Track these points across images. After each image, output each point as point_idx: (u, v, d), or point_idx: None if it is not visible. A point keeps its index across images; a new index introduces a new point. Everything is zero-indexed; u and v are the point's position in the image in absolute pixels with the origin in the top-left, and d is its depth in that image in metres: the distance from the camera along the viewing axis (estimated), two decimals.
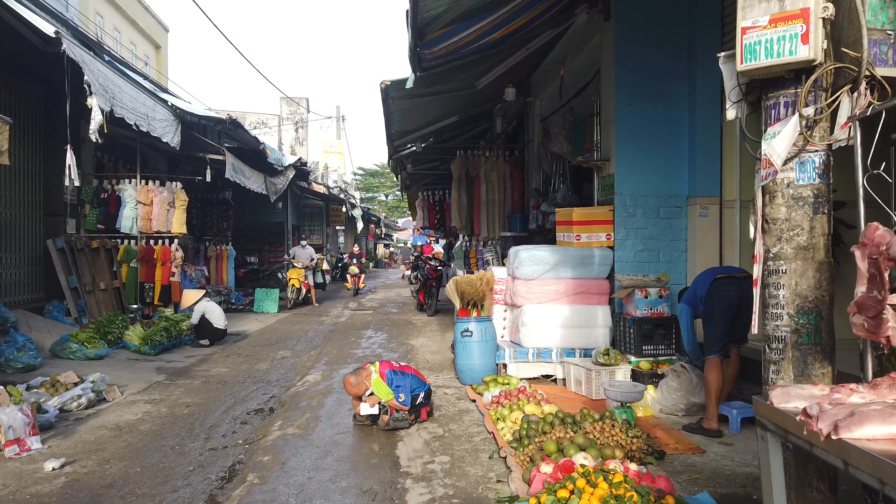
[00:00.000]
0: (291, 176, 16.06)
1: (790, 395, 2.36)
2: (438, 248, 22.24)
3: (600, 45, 7.78)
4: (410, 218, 31.05)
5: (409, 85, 7.56)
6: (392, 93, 8.44)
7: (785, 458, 2.76)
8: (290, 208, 20.68)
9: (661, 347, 6.44)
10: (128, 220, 11.09)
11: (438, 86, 8.99)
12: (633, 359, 6.43)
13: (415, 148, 13.00)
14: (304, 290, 15.91)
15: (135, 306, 10.94)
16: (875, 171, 2.45)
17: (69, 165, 7.65)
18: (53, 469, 4.51)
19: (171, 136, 9.94)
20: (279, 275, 18.57)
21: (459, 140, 14.30)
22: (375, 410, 5.52)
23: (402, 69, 8.43)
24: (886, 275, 2.39)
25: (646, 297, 6.49)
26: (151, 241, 11.37)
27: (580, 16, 8.00)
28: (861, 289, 2.44)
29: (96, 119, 7.53)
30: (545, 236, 10.06)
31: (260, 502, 4.01)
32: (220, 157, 12.15)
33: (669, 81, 7.30)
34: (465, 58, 8.05)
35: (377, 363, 5.69)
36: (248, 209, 18.74)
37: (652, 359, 6.35)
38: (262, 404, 6.48)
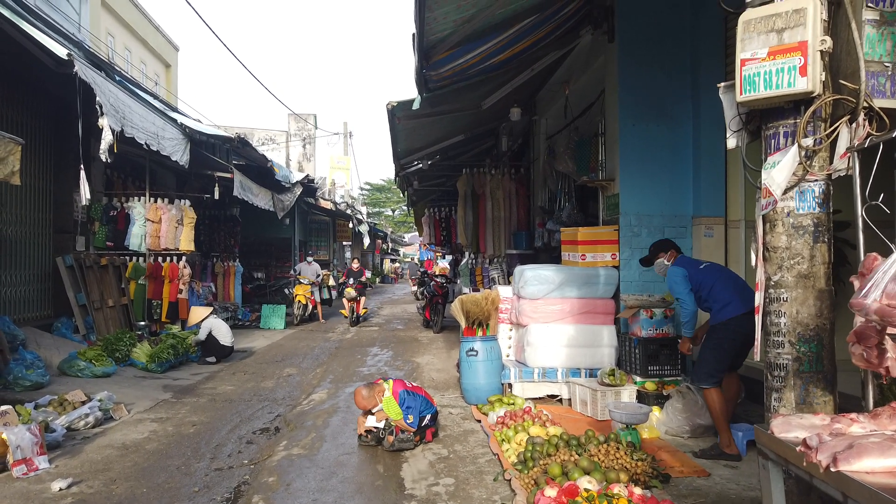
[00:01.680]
0: (299, 192, 16.19)
1: (791, 425, 2.38)
2: (444, 264, 22.27)
3: (605, 65, 7.85)
4: (417, 234, 31.14)
5: (416, 106, 7.64)
6: (398, 113, 8.52)
7: (788, 486, 2.76)
8: (297, 224, 20.79)
9: (667, 368, 6.43)
10: (136, 237, 11.19)
11: (444, 106, 9.08)
12: (638, 379, 6.42)
13: (421, 165, 13.08)
14: (310, 307, 15.99)
15: (142, 323, 11.00)
16: (874, 202, 2.47)
17: (82, 185, 7.75)
18: (60, 489, 4.53)
19: (180, 154, 10.06)
20: (286, 291, 18.64)
21: (465, 157, 14.39)
22: (381, 424, 5.55)
23: (408, 85, 8.59)
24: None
25: (651, 318, 6.50)
26: (160, 259, 11.46)
27: (585, 37, 8.09)
28: (861, 319, 2.46)
29: (107, 139, 7.63)
30: (550, 254, 10.08)
31: None
32: (229, 175, 12.26)
33: (673, 102, 7.35)
34: (471, 78, 8.14)
35: (391, 381, 5.73)
36: (256, 225, 18.84)
37: (657, 379, 6.34)
38: (267, 423, 6.50)
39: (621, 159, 7.34)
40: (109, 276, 10.75)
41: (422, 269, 20.19)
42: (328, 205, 24.04)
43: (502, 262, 11.86)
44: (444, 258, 25.41)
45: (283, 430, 6.27)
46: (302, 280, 15.85)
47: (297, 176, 16.86)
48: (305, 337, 13.56)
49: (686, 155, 7.36)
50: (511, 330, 7.79)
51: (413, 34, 6.18)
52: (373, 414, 5.63)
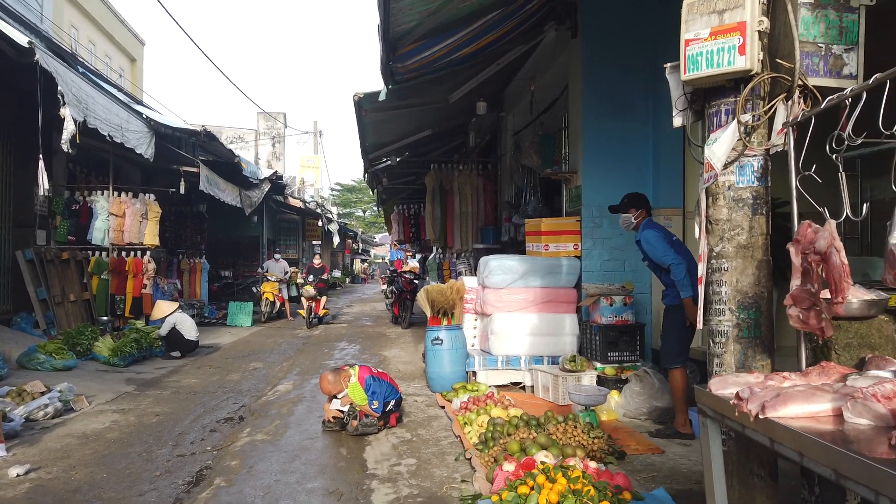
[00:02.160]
0: (267, 189, 16.08)
1: (728, 383, 2.50)
2: (414, 263, 22.30)
3: (568, 61, 8.01)
4: (387, 233, 31.13)
5: (382, 97, 7.70)
6: (365, 105, 8.57)
7: (728, 447, 2.90)
8: (265, 222, 20.62)
9: (626, 354, 6.59)
10: (99, 231, 11.04)
11: (412, 99, 9.15)
12: (598, 365, 6.57)
13: (390, 162, 13.12)
14: (277, 304, 15.91)
15: (105, 318, 10.85)
16: (807, 173, 2.61)
17: (40, 175, 7.64)
18: (18, 475, 4.48)
19: (144, 147, 9.95)
20: (253, 289, 18.49)
21: (435, 154, 14.47)
22: (346, 408, 5.58)
23: (377, 83, 8.55)
24: (818, 269, 2.55)
25: (611, 305, 6.65)
26: (123, 253, 11.31)
27: (549, 33, 8.24)
28: (796, 282, 2.60)
29: (69, 129, 7.53)
30: (517, 248, 10.21)
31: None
32: (195, 170, 12.16)
33: (634, 97, 7.53)
34: (438, 72, 8.22)
35: (357, 367, 5.77)
36: (224, 223, 18.67)
37: (617, 365, 6.50)
38: (231, 413, 6.49)
39: (584, 152, 7.50)
40: (71, 271, 10.57)
41: (392, 269, 20.09)
42: (298, 203, 23.91)
43: (470, 256, 11.98)
44: (413, 257, 25.46)
45: (248, 418, 6.27)
46: (270, 277, 15.80)
47: (265, 173, 16.75)
48: (273, 333, 13.50)
49: (646, 149, 7.54)
50: (476, 319, 7.89)
51: (378, 25, 6.24)
52: (338, 399, 5.68)
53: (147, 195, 11.67)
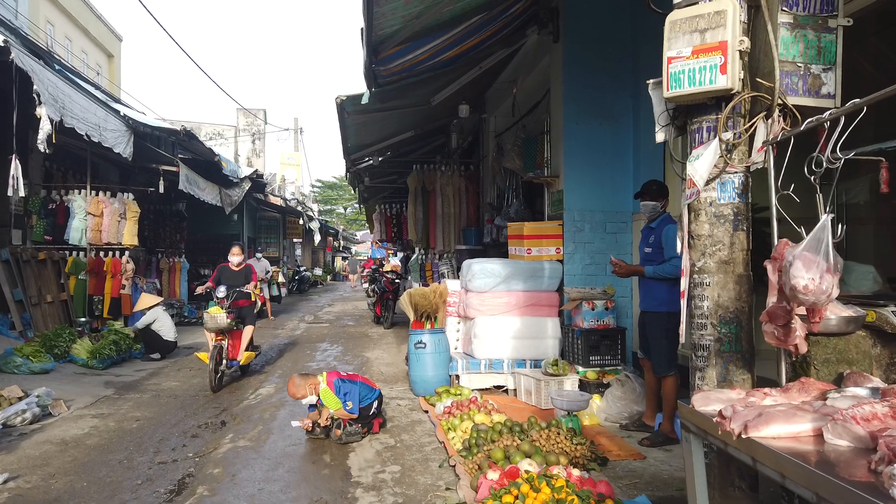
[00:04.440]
0: (247, 188, 15.96)
1: (710, 399, 2.54)
2: (395, 262, 22.28)
3: (550, 65, 8.04)
4: (369, 231, 31.06)
5: (365, 101, 7.68)
6: (348, 108, 8.54)
7: (710, 459, 2.95)
8: (245, 221, 20.49)
9: (608, 358, 6.65)
10: (76, 231, 10.88)
11: (394, 101, 9.13)
12: (580, 369, 6.62)
13: (372, 161, 13.09)
14: (259, 304, 15.70)
15: (83, 319, 10.70)
16: (785, 192, 2.66)
17: (13, 175, 7.52)
18: None
19: (123, 146, 9.82)
20: None
21: (417, 154, 14.46)
22: (313, 400, 5.53)
23: (359, 80, 8.51)
24: None
25: (593, 310, 6.71)
26: (101, 253, 11.16)
27: (531, 37, 8.26)
28: (772, 299, 2.65)
29: (45, 129, 7.42)
30: (499, 250, 10.24)
31: None
32: (174, 169, 12.02)
33: (615, 102, 7.58)
34: (420, 75, 8.21)
35: (325, 373, 5.72)
36: (203, 221, 18.51)
37: (599, 369, 6.55)
38: (213, 417, 6.45)
39: (565, 157, 7.54)
40: (48, 271, 10.42)
41: (361, 266, 19.96)
42: (278, 201, 23.77)
43: (452, 257, 11.99)
44: (395, 255, 25.44)
45: (230, 423, 6.23)
46: None
47: (245, 171, 16.61)
48: (255, 334, 13.38)
49: (627, 154, 7.61)
50: (459, 323, 7.91)
51: (362, 28, 6.22)
52: (314, 410, 5.62)
53: (125, 194, 11.53)
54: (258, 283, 10.27)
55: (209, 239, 20.10)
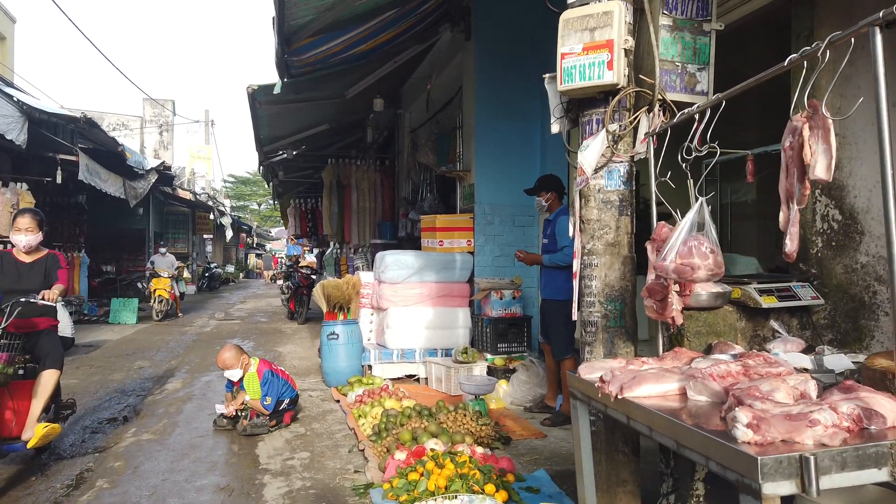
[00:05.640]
0: (153, 180, 15.34)
1: (594, 368, 2.76)
2: (311, 258, 22.01)
3: (463, 62, 8.24)
4: (284, 227, 30.49)
5: (277, 91, 7.60)
6: (259, 97, 8.43)
7: (598, 427, 3.18)
8: (152, 215, 19.68)
9: (515, 345, 6.91)
10: None
11: (308, 93, 9.08)
12: (489, 356, 6.85)
13: (286, 155, 12.93)
14: (170, 301, 15.01)
15: None
16: (663, 179, 2.92)
17: None
18: None
19: (16, 133, 9.26)
20: (139, 284, 17.61)
21: (333, 148, 14.38)
22: (236, 375, 5.54)
23: (273, 73, 8.35)
24: None
25: (501, 299, 6.95)
26: None
27: (444, 34, 8.44)
28: (651, 277, 2.90)
29: None
30: (414, 244, 10.37)
31: None
32: (73, 158, 11.44)
33: (525, 99, 7.86)
34: (335, 67, 8.21)
35: (257, 359, 5.73)
36: (106, 215, 17.64)
37: (506, 355, 6.80)
38: (115, 413, 6.23)
39: (477, 152, 7.76)
40: None
41: (288, 263, 19.58)
42: (187, 195, 22.96)
43: (367, 252, 12.04)
44: (311, 252, 25.12)
45: (133, 418, 6.05)
46: (161, 273, 14.95)
47: (152, 163, 15.97)
48: (160, 331, 12.95)
49: (535, 150, 7.91)
50: (373, 314, 7.98)
51: (273, 18, 6.18)
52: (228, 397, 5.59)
53: (19, 184, 10.87)
54: (65, 286, 4.68)
55: (113, 233, 19.20)
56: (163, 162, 17.32)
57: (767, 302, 3.29)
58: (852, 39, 1.96)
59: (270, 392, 5.49)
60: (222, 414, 5.58)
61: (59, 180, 11.58)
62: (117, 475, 4.47)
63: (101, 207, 16.40)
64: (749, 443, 1.73)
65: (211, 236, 29.44)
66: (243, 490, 4.17)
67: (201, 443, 5.24)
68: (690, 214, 2.60)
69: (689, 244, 2.57)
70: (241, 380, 5.58)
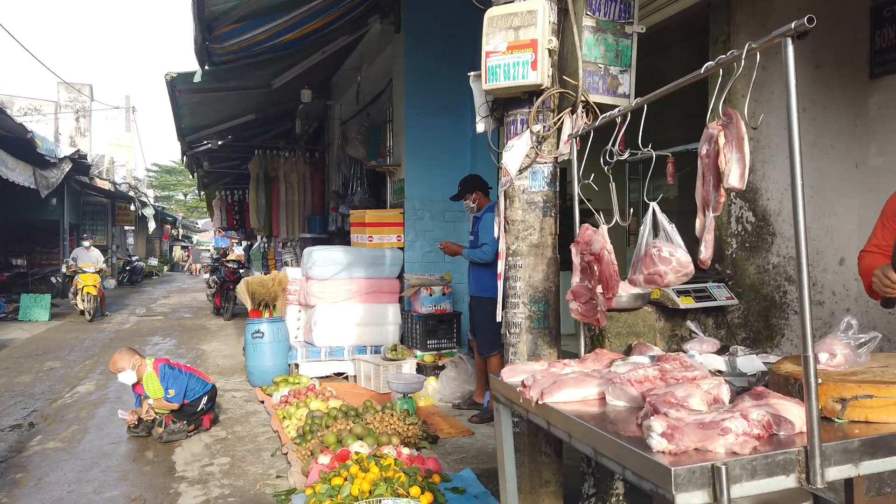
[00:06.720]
0: (68, 169, 14.52)
1: (517, 371, 2.73)
2: (239, 251, 21.39)
3: (393, 55, 8.11)
4: (210, 219, 29.55)
5: (198, 79, 7.27)
6: (179, 85, 8.06)
7: (521, 429, 3.17)
8: (67, 205, 18.59)
9: (444, 341, 6.89)
10: None
11: (232, 82, 8.75)
12: (418, 353, 6.80)
13: (210, 145, 12.45)
14: (98, 298, 14.02)
15: None
16: (586, 181, 2.92)
17: None
18: None
19: None
20: (52, 279, 16.66)
21: (262, 139, 13.95)
22: (131, 377, 5.20)
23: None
24: (596, 268, 2.86)
25: (431, 295, 6.91)
26: None
27: (374, 25, 8.28)
28: (576, 279, 2.90)
29: None
30: (344, 238, 10.19)
31: None
32: None
33: (455, 96, 7.76)
34: (260, 56, 7.93)
35: (151, 358, 5.40)
36: (15, 205, 16.59)
37: (435, 352, 6.77)
38: (20, 419, 5.86)
39: (407, 147, 7.66)
40: None
41: (214, 256, 18.84)
42: (106, 185, 21.90)
43: (296, 245, 11.77)
44: (239, 245, 24.42)
45: (40, 424, 5.70)
46: (86, 269, 13.90)
47: (66, 151, 15.10)
48: (76, 329, 12.29)
49: (465, 146, 7.88)
50: (300, 311, 7.79)
51: (192, 1, 5.89)
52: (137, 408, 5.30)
53: None
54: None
55: (22, 225, 18.10)
56: (78, 150, 16.43)
57: (685, 303, 3.36)
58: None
59: (174, 385, 5.17)
60: (136, 423, 5.27)
61: None
62: (18, 488, 4.18)
63: (10, 198, 15.42)
64: (664, 452, 1.73)
65: (132, 228, 28.18)
66: (156, 500, 3.97)
67: (113, 450, 4.97)
68: (646, 223, 2.57)
69: (649, 254, 2.54)
70: (138, 384, 5.24)
